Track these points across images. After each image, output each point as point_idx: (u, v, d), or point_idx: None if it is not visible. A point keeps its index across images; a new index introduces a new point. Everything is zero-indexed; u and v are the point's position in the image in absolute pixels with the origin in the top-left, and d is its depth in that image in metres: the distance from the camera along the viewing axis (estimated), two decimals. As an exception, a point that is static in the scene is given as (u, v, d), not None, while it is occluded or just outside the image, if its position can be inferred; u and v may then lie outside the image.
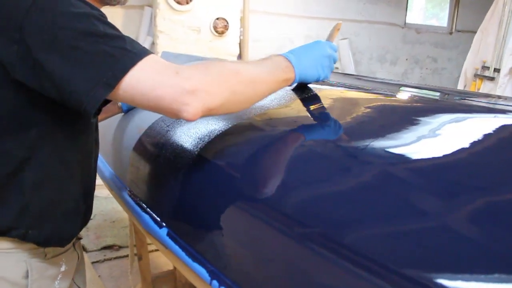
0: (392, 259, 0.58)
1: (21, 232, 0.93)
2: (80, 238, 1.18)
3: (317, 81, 1.04)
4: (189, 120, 0.81)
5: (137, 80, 0.79)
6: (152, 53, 0.83)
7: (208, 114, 0.83)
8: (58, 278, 1.04)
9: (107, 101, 0.83)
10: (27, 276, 0.96)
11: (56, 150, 0.93)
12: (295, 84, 1.00)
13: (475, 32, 3.98)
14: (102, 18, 0.83)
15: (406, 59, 6.37)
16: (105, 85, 0.78)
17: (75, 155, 0.99)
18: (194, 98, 0.78)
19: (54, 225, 0.98)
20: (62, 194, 0.98)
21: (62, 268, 1.05)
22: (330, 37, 1.14)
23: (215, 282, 0.78)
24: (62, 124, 0.92)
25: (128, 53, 0.79)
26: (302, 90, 1.15)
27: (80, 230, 1.11)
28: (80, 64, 0.79)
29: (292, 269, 0.71)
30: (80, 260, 1.16)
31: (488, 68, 3.68)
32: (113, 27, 0.84)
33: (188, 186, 1.00)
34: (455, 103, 1.14)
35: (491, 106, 1.14)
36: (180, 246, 0.90)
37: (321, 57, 1.01)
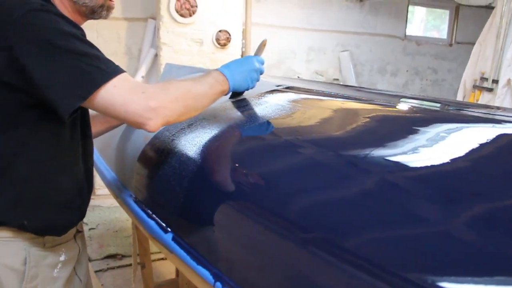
0: (395, 264, 0.59)
1: (18, 222, 1.01)
2: (81, 231, 1.25)
3: (246, 90, 1.25)
4: (150, 131, 0.96)
5: (110, 95, 0.93)
6: (124, 71, 0.97)
7: (165, 125, 0.99)
8: (58, 267, 1.10)
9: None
10: (25, 263, 1.04)
11: (44, 146, 1.02)
12: (229, 93, 1.19)
13: (474, 44, 4.02)
14: (82, 38, 0.96)
15: (407, 71, 6.40)
16: (78, 97, 0.93)
17: (62, 150, 1.07)
18: (156, 114, 0.94)
19: (48, 215, 1.05)
20: (54, 186, 1.06)
21: (62, 258, 1.12)
22: (258, 52, 1.34)
23: (218, 284, 0.81)
24: (48, 121, 1.00)
25: (102, 71, 0.93)
26: (305, 101, 1.18)
27: (77, 223, 1.18)
28: (60, 76, 0.92)
29: (293, 272, 0.73)
30: (81, 252, 1.22)
31: (486, 79, 3.71)
32: (91, 45, 0.97)
33: (192, 192, 1.03)
34: (454, 114, 1.16)
35: (489, 116, 1.16)
36: (185, 250, 0.93)
37: (250, 71, 1.21)
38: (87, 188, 1.19)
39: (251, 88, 1.25)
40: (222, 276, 0.82)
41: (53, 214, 1.07)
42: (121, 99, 0.93)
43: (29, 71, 0.91)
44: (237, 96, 1.32)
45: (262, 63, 1.26)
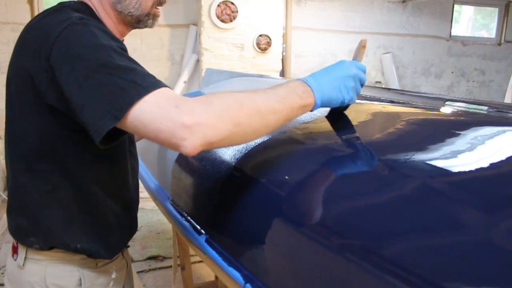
0: (435, 274, 0.58)
1: (72, 246, 1.00)
2: (128, 246, 1.24)
3: (342, 105, 0.95)
4: (188, 155, 0.79)
5: (140, 112, 0.79)
6: (164, 86, 0.83)
7: (209, 147, 0.80)
8: (110, 285, 1.11)
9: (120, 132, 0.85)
10: (80, 284, 1.04)
11: (89, 169, 1.00)
12: (316, 109, 0.92)
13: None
14: (120, 50, 0.87)
15: (452, 72, 6.22)
16: (112, 117, 0.80)
17: (108, 173, 1.04)
18: (192, 133, 0.76)
19: (100, 238, 1.04)
20: (102, 209, 1.04)
21: (113, 276, 1.11)
22: (356, 56, 1.04)
23: (248, 286, 0.82)
24: (92, 145, 0.91)
25: (137, 86, 0.80)
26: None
27: (128, 241, 1.17)
28: (92, 94, 0.82)
29: (328, 279, 0.73)
30: (128, 268, 1.22)
31: (538, 80, 3.56)
32: (128, 58, 0.87)
33: (225, 196, 1.04)
34: (502, 117, 1.11)
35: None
36: (217, 252, 0.94)
37: (344, 78, 0.93)
38: (135, 206, 1.18)
39: (349, 102, 0.96)
40: (252, 278, 0.83)
41: (104, 237, 1.05)
42: (150, 115, 0.78)
43: (64, 90, 0.85)
44: (337, 113, 1.06)
45: (363, 70, 0.98)
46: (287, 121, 0.88)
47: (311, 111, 0.92)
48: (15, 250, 1.05)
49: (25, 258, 1.02)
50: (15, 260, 1.05)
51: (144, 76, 0.83)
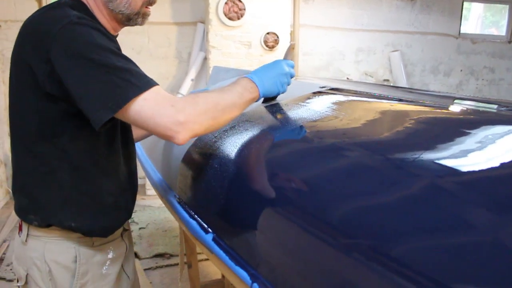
0: (442, 274, 0.58)
1: (66, 224, 1.08)
2: (127, 230, 1.31)
3: (277, 95, 1.25)
4: (178, 144, 0.98)
5: (140, 108, 0.95)
6: (156, 85, 0.99)
7: (193, 137, 1.00)
8: (106, 264, 1.18)
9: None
10: (75, 261, 1.11)
11: (84, 152, 1.08)
12: (261, 100, 1.20)
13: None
14: (116, 51, 0.99)
15: (461, 70, 6.17)
16: (109, 109, 0.94)
17: (102, 155, 1.12)
18: (184, 128, 0.96)
19: (94, 218, 1.12)
20: (97, 190, 1.12)
21: (110, 255, 1.19)
22: (286, 56, 1.33)
23: (255, 285, 0.81)
24: (87, 129, 1.03)
25: (133, 85, 0.95)
26: (349, 104, 1.15)
27: (123, 223, 1.23)
28: (92, 89, 0.95)
29: (334, 279, 0.73)
30: (128, 250, 1.28)
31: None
32: (125, 59, 0.99)
33: (233, 194, 1.04)
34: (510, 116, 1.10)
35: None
36: (224, 251, 0.94)
37: (280, 76, 1.20)
38: (131, 190, 1.24)
39: (282, 93, 1.24)
40: (259, 277, 0.83)
41: (98, 216, 1.13)
42: (150, 112, 0.95)
43: (65, 83, 0.96)
44: (270, 101, 1.33)
45: (292, 66, 1.25)
46: (243, 110, 1.12)
47: (256, 101, 1.16)
48: (20, 228, 1.15)
49: (27, 234, 1.11)
50: (20, 237, 1.14)
51: (139, 76, 0.98)
